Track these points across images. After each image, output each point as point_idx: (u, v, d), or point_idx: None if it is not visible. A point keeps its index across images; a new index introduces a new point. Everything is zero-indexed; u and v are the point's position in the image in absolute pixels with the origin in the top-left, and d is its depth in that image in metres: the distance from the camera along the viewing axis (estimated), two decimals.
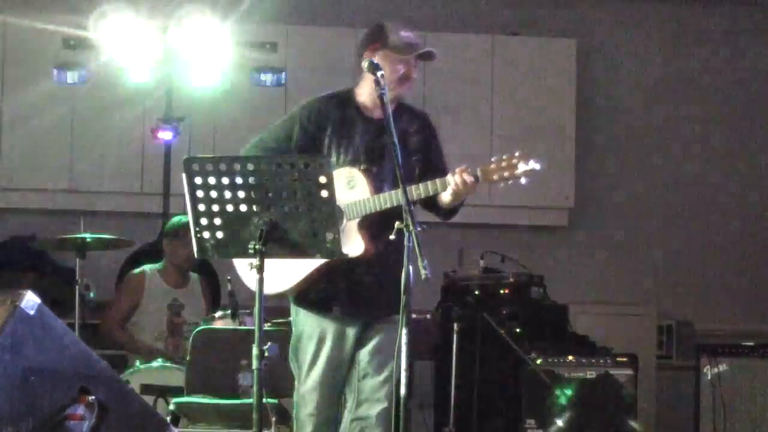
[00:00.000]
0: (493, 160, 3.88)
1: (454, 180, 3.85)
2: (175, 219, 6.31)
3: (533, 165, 3.85)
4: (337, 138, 4.10)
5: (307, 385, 4.13)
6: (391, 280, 4.05)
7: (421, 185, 3.93)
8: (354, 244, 3.94)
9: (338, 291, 4.08)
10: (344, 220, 3.98)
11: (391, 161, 3.95)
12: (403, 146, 4.01)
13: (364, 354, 4.11)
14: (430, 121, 4.17)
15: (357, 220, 3.98)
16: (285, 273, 4.02)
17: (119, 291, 6.40)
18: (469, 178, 3.85)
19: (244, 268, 4.12)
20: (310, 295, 4.12)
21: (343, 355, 4.12)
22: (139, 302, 6.21)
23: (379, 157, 4.06)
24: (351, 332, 4.12)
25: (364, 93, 4.14)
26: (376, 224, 3.93)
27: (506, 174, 3.85)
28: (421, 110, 4.24)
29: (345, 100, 4.17)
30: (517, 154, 3.87)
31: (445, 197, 3.93)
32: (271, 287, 4.06)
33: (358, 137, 4.10)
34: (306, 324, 4.16)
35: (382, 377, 4.07)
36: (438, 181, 3.92)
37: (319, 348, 4.12)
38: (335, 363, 4.12)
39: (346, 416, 4.15)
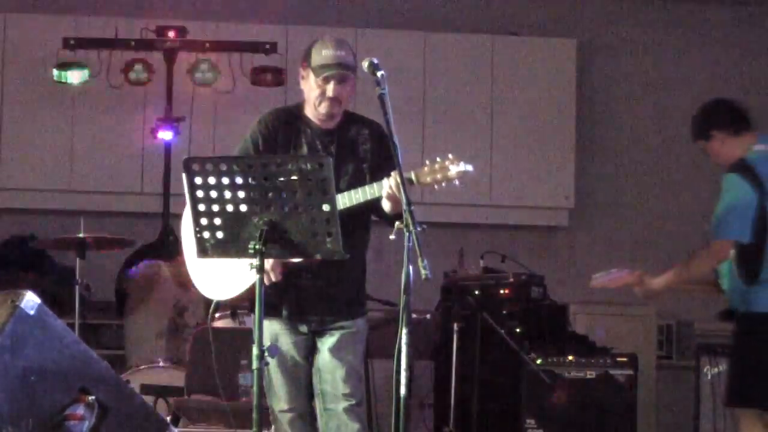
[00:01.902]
0: (426, 163, 3.92)
1: (388, 183, 3.88)
2: None
3: (465, 167, 3.90)
4: (285, 147, 4.17)
5: (275, 383, 4.16)
6: (344, 287, 4.15)
7: (359, 189, 3.98)
8: None
9: (286, 295, 4.13)
10: None
11: (336, 168, 4.00)
12: (352, 154, 4.14)
13: (322, 357, 4.16)
14: (382, 130, 4.10)
15: None
16: (235, 279, 4.07)
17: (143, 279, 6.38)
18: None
19: (198, 277, 4.18)
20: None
21: (299, 351, 4.17)
22: (149, 295, 6.21)
23: None
24: (303, 329, 4.18)
25: (308, 109, 4.21)
26: None
27: (439, 176, 3.89)
28: (371, 120, 4.25)
29: (294, 113, 4.25)
30: (449, 156, 3.91)
31: (385, 204, 3.96)
32: (223, 293, 4.16)
33: (306, 146, 4.17)
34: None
35: (342, 373, 4.11)
36: (375, 184, 3.97)
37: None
38: (293, 359, 4.16)
39: (319, 416, 4.20)
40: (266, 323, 4.10)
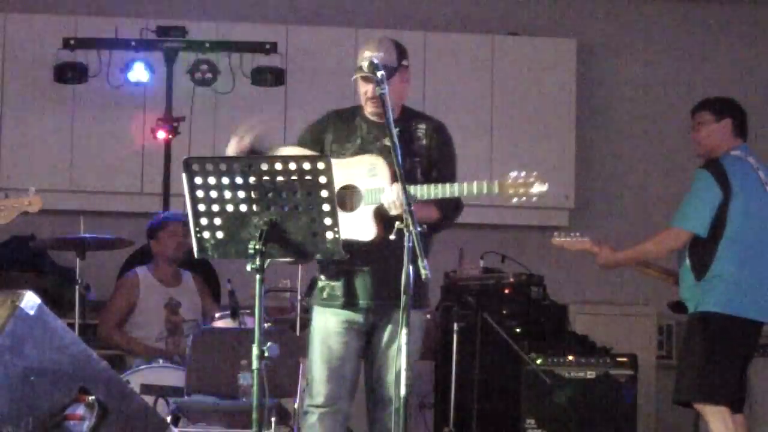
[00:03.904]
0: (511, 176, 4.01)
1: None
2: (162, 215, 6.38)
3: (546, 187, 4.02)
4: (339, 139, 4.24)
5: (317, 378, 4.18)
6: (395, 272, 4.11)
7: (440, 186, 4.01)
8: (367, 229, 4.01)
9: (339, 282, 4.16)
10: (361, 204, 4.04)
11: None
12: (405, 147, 4.11)
13: (375, 357, 4.19)
14: (444, 130, 4.27)
15: (374, 206, 4.03)
16: None
17: (115, 293, 6.37)
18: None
19: None
20: (317, 285, 4.25)
21: (350, 349, 4.18)
22: (135, 303, 6.21)
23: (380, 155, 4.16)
24: (358, 320, 4.17)
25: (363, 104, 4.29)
26: (389, 215, 3.97)
27: (521, 191, 4.01)
28: (432, 117, 4.35)
29: (352, 110, 4.33)
30: (535, 174, 4.02)
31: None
32: None
33: (359, 139, 4.22)
34: (315, 319, 4.26)
35: (391, 376, 4.08)
36: (457, 185, 4.02)
37: (325, 342, 4.18)
38: (342, 358, 4.16)
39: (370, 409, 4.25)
40: (321, 316, 4.20)
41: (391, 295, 4.03)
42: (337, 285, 4.17)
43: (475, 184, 3.99)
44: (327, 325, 4.18)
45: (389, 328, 4.16)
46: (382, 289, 4.10)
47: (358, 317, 4.17)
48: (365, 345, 4.22)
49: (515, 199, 4.01)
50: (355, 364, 4.22)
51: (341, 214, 3.98)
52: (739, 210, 4.81)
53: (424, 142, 4.20)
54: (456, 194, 4.01)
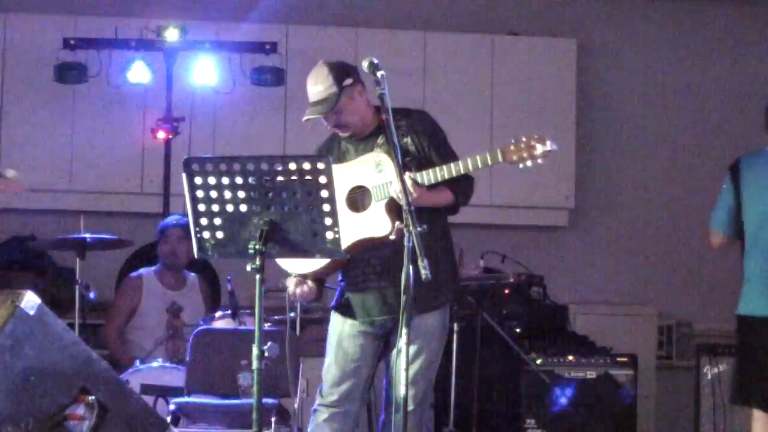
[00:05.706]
0: (512, 140, 3.95)
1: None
2: (165, 220, 6.40)
3: (551, 146, 3.97)
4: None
5: (331, 376, 4.20)
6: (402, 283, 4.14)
7: (444, 167, 3.97)
8: (381, 225, 3.99)
9: (358, 298, 4.19)
10: (372, 202, 4.04)
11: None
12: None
13: (390, 361, 4.17)
14: (424, 118, 4.23)
15: (384, 201, 4.03)
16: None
17: (118, 295, 6.37)
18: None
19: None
20: (336, 297, 4.29)
21: (365, 354, 4.20)
22: (138, 306, 6.21)
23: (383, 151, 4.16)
24: (373, 329, 4.19)
25: None
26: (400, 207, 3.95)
27: (525, 155, 3.94)
28: (410, 110, 4.29)
29: (335, 134, 4.31)
30: (536, 135, 3.97)
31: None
32: (303, 267, 4.14)
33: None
34: (332, 322, 4.29)
35: (410, 371, 4.09)
36: (461, 162, 3.98)
37: (341, 344, 4.21)
38: (358, 361, 4.19)
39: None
40: (338, 319, 4.24)
41: (396, 310, 4.05)
42: (356, 300, 4.19)
43: (477, 156, 3.93)
44: (343, 328, 4.21)
45: (402, 339, 4.15)
46: (398, 301, 4.10)
47: (371, 329, 4.21)
48: (383, 347, 4.22)
49: (521, 165, 3.95)
50: (370, 367, 4.23)
51: (355, 216, 3.99)
52: (751, 210, 4.78)
53: (407, 139, 4.16)
54: (461, 171, 3.96)
